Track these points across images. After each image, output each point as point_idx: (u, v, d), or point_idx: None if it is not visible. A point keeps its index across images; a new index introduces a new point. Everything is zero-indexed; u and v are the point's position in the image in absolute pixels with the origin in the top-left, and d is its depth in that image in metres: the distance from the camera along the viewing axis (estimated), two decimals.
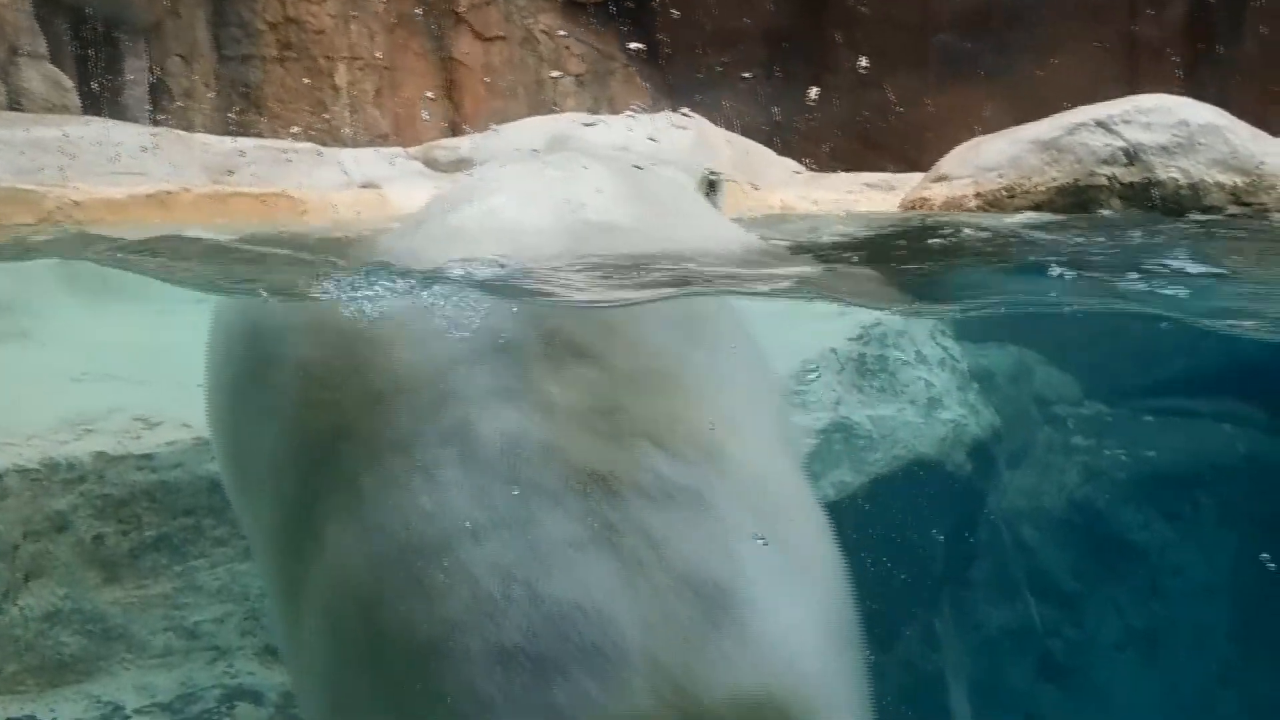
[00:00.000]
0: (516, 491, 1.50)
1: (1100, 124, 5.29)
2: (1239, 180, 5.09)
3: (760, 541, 1.57)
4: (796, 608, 1.58)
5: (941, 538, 4.04)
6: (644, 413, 1.61)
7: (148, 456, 2.97)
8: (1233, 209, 5.09)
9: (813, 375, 3.89)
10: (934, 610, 4.20)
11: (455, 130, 9.65)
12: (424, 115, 10.05)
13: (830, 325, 4.13)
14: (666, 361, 1.75)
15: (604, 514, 1.49)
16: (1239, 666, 4.87)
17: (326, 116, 10.43)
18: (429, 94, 10.32)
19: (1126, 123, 5.26)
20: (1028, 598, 4.61)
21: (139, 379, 3.35)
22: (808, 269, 2.51)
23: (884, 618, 3.97)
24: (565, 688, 1.39)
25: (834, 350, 3.99)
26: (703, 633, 1.46)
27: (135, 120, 8.35)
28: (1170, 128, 5.16)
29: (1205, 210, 5.03)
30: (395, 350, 1.69)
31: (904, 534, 3.90)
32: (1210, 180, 5.08)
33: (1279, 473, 5.03)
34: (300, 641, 1.66)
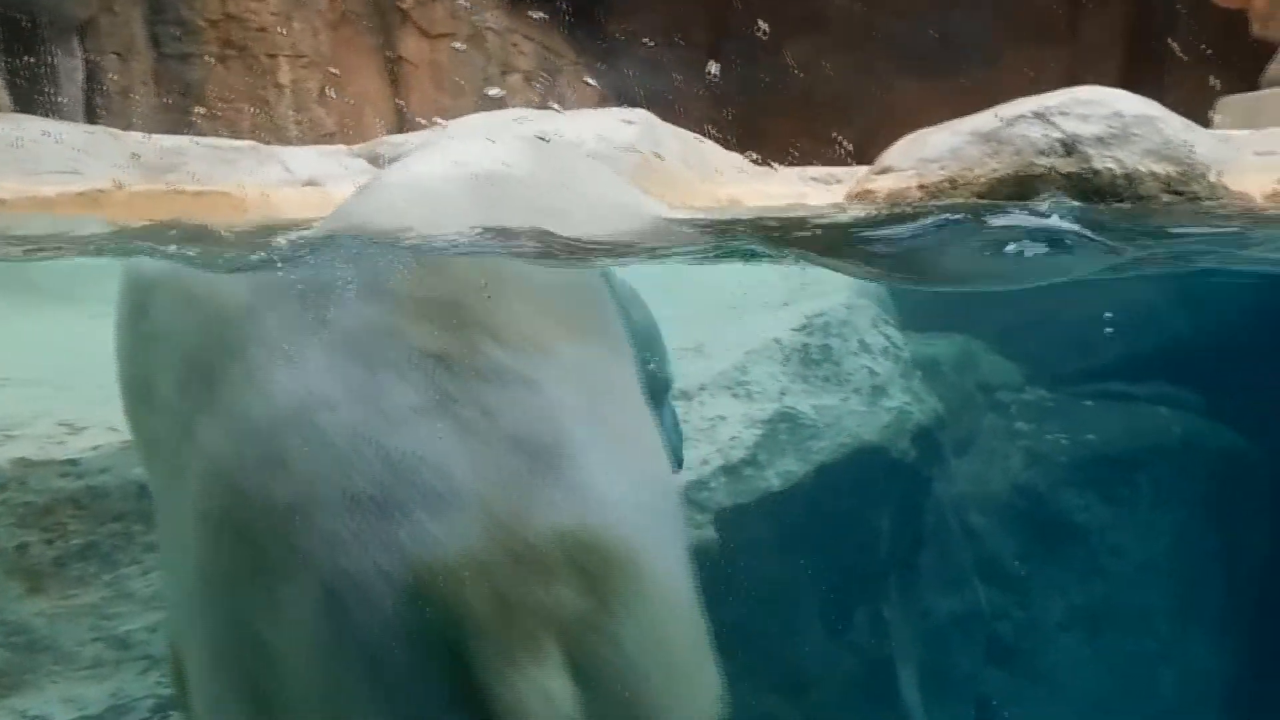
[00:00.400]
0: (367, 368, 1.69)
1: (1038, 115, 5.38)
2: (1171, 170, 5.21)
3: (585, 417, 1.78)
4: (617, 471, 1.76)
5: (888, 523, 4.07)
6: (483, 310, 1.82)
7: (72, 462, 2.87)
8: (1166, 197, 5.21)
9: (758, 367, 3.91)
10: (882, 596, 4.23)
11: (402, 128, 9.54)
12: (330, 93, 9.88)
13: (774, 316, 4.15)
14: (507, 271, 2.00)
15: (444, 387, 1.69)
16: (1176, 641, 4.99)
17: (270, 115, 10.23)
18: (334, 69, 10.15)
19: (1064, 114, 5.35)
20: (974, 582, 4.67)
21: (63, 383, 3.25)
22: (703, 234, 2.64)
23: (833, 604, 4.01)
24: (407, 526, 1.56)
25: (778, 341, 4.01)
26: (530, 483, 1.65)
27: (71, 119, 8.10)
28: (1105, 119, 5.26)
29: (1139, 199, 5.15)
30: (262, 273, 1.89)
31: (851, 521, 3.93)
32: (1144, 170, 5.19)
33: (1212, 453, 5.16)
34: (176, 543, 1.78)
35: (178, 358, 1.84)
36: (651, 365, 2.93)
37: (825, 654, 4.03)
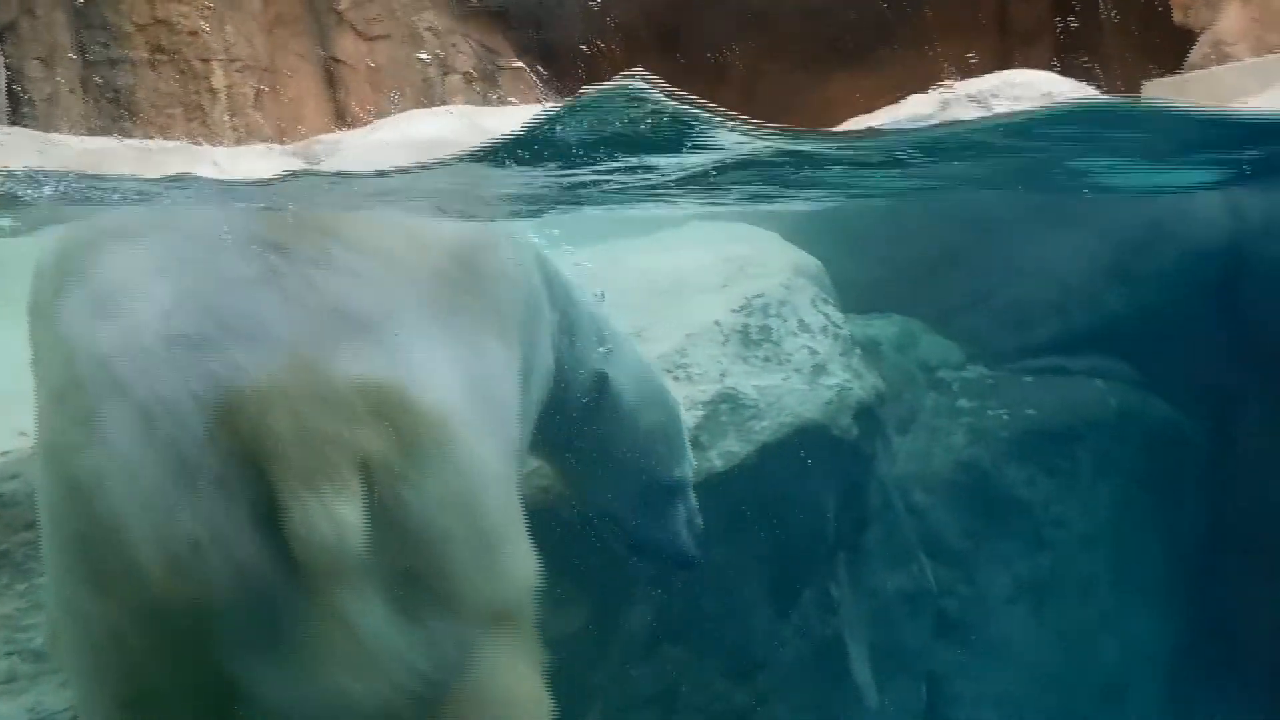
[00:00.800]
0: (207, 250, 1.90)
1: (972, 98, 5.49)
2: None
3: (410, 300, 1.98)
4: (438, 356, 1.94)
5: (833, 502, 4.08)
6: (335, 223, 2.03)
7: None
8: None
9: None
10: (829, 575, 4.24)
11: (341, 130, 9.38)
12: (265, 96, 9.74)
13: (713, 298, 4.15)
14: (388, 218, 2.30)
15: (276, 265, 1.88)
16: (1118, 611, 5.08)
17: (204, 120, 10.00)
18: (269, 72, 9.98)
19: (995, 96, 5.47)
20: (921, 558, 4.70)
21: None
22: None
23: (780, 584, 4.00)
24: (220, 359, 1.75)
25: (718, 323, 4.00)
26: (341, 338, 1.83)
27: None
28: (1037, 100, 5.39)
29: None
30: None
31: (795, 500, 3.93)
32: None
33: (1147, 424, 5.28)
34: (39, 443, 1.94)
35: (53, 262, 2.00)
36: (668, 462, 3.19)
37: (773, 635, 4.03)
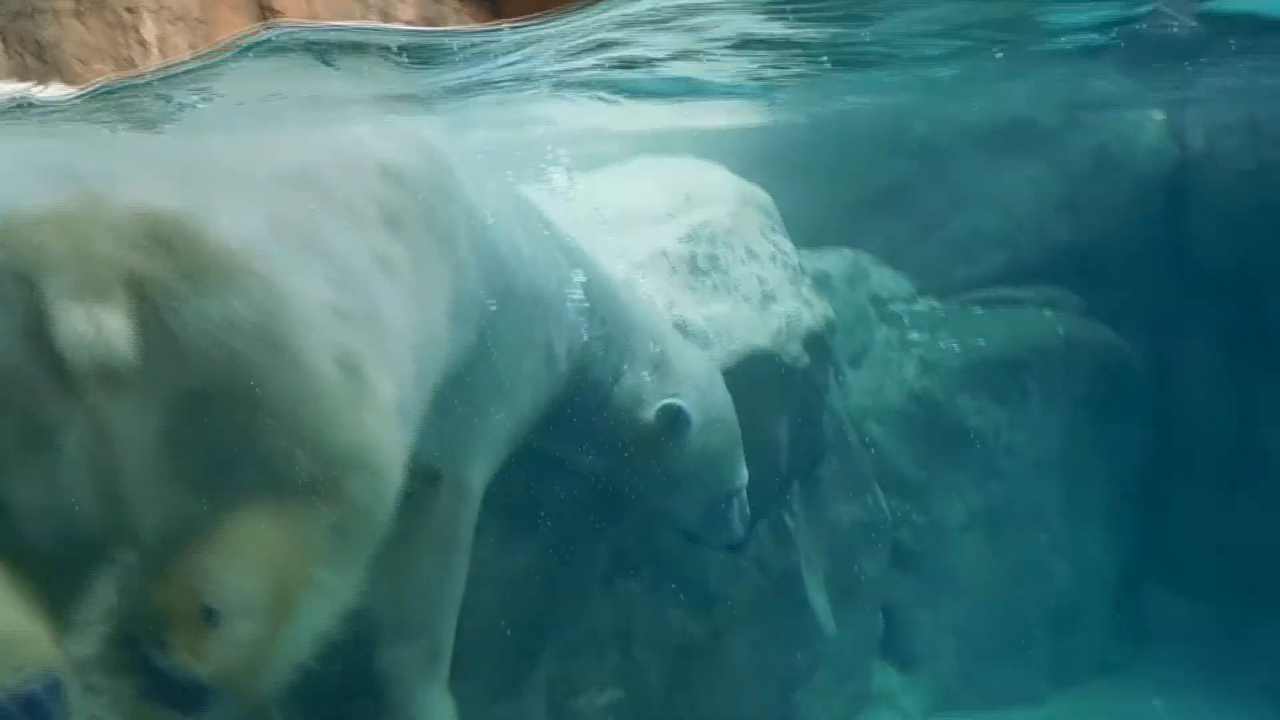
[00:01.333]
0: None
1: None
2: None
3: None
4: (249, 200, 2.07)
5: (785, 430, 4.05)
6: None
7: None
8: None
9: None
10: (785, 506, 4.23)
11: None
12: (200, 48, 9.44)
13: (659, 228, 4.06)
14: None
15: (119, 133, 2.16)
16: (1068, 536, 5.15)
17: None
18: (202, 22, 9.67)
19: None
20: (875, 489, 4.70)
21: None
22: None
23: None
24: (13, 188, 1.90)
25: (665, 252, 3.92)
26: (137, 178, 1.99)
27: None
28: None
29: None
30: None
31: (748, 429, 3.89)
32: None
33: (1093, 352, 5.32)
34: None
35: None
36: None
37: (729, 568, 4.01)
